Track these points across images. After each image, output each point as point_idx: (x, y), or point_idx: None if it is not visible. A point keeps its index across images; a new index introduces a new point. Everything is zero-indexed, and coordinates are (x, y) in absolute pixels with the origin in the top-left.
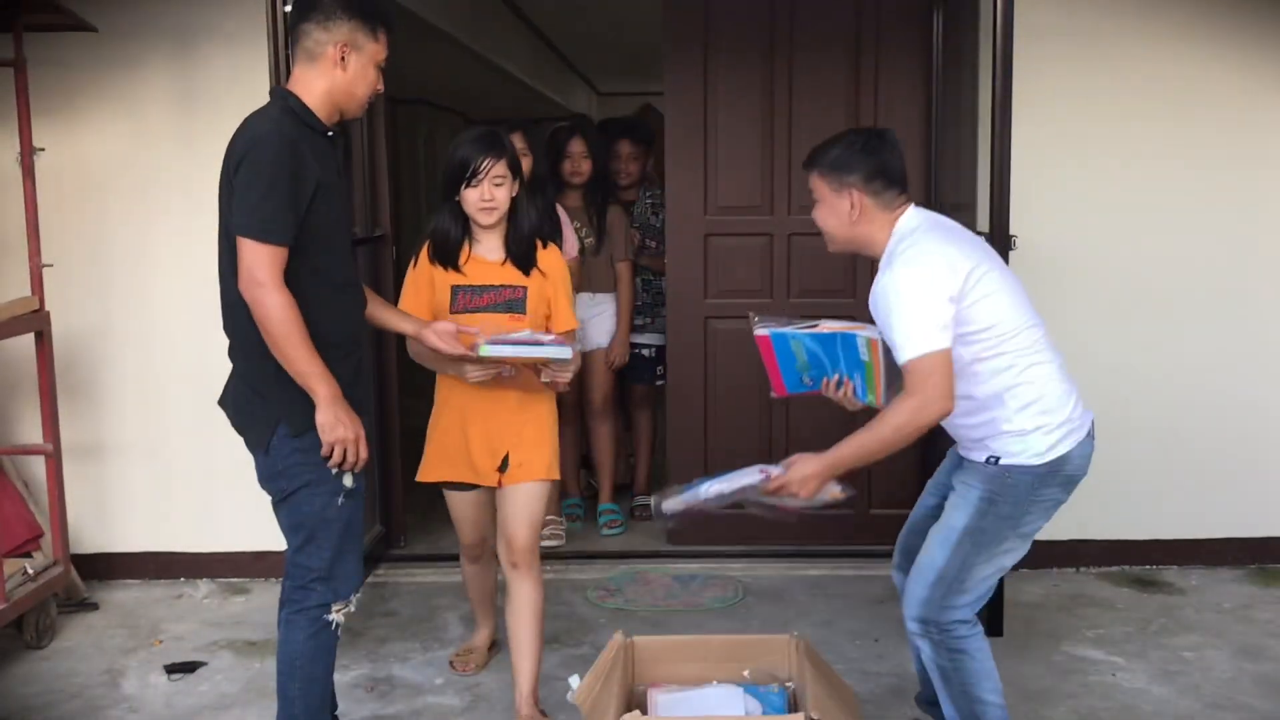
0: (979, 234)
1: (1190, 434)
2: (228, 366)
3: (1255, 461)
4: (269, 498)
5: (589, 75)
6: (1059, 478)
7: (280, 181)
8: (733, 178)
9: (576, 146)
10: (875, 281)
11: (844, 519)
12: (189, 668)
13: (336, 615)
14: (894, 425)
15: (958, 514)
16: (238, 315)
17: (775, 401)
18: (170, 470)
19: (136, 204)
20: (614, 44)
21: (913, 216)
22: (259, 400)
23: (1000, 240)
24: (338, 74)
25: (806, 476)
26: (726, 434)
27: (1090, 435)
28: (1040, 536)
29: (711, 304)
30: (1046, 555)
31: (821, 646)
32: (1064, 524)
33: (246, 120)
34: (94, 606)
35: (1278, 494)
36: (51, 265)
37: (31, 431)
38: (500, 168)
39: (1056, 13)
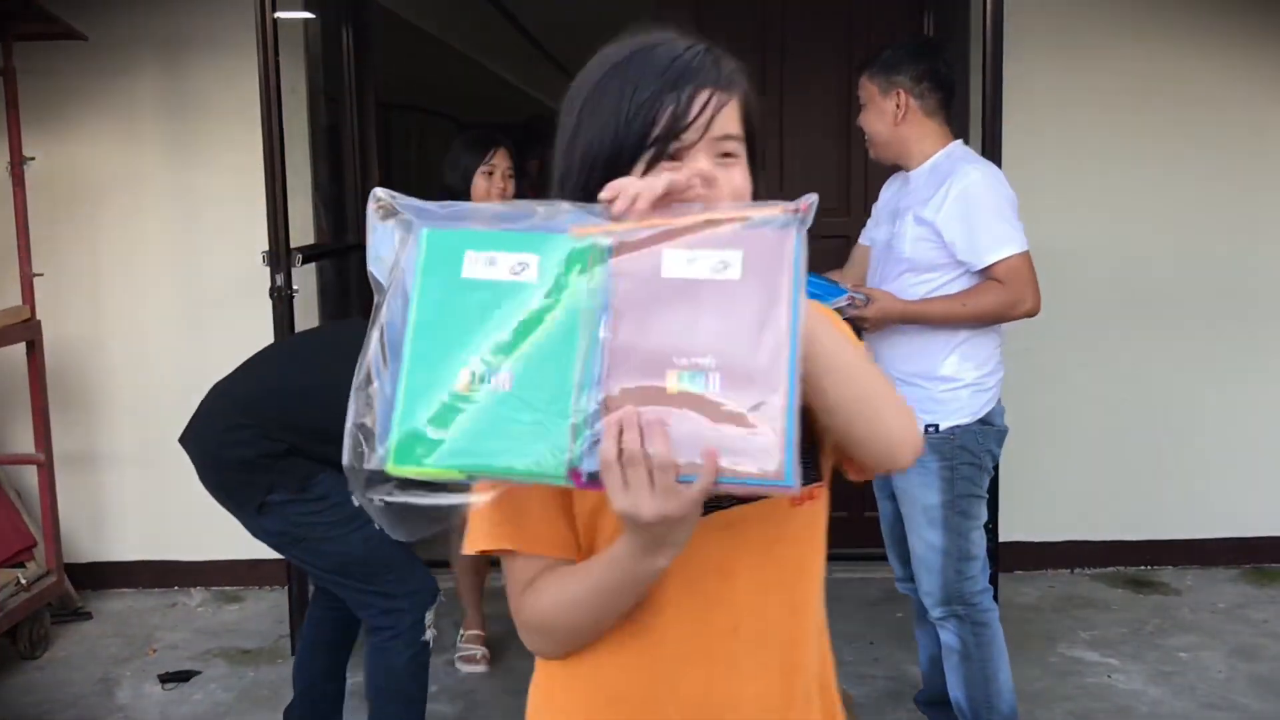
0: None
1: (1184, 435)
2: (218, 371)
3: (1249, 462)
4: (279, 551)
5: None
6: (993, 432)
7: None
8: None
9: (501, 161)
10: (933, 191)
11: (838, 522)
12: (183, 677)
13: (431, 630)
14: (983, 306)
15: (928, 492)
16: (278, 403)
17: None
18: (163, 479)
19: (128, 212)
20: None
21: (966, 147)
22: (241, 470)
23: None
24: None
25: (886, 314)
26: None
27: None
28: (1035, 538)
29: None
30: (1041, 557)
31: None
32: (1059, 525)
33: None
34: (88, 616)
35: (1272, 494)
36: (42, 274)
37: (23, 441)
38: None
39: (1046, 15)
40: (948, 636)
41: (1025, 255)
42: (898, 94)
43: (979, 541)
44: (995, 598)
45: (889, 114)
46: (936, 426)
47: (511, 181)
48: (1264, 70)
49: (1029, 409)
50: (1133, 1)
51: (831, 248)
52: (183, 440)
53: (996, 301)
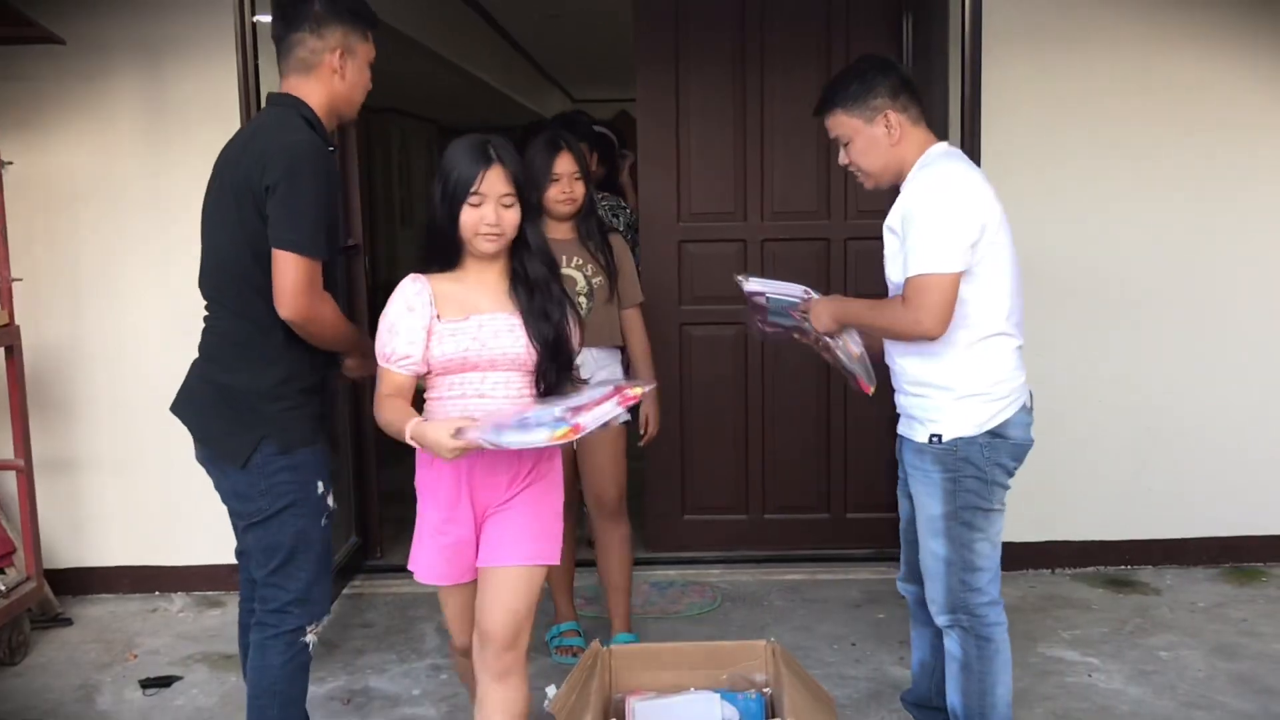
0: None
1: (1164, 434)
2: None
3: (1228, 461)
4: (231, 516)
5: (563, 82)
6: (1006, 445)
7: (319, 196)
8: (706, 184)
9: (565, 165)
10: (900, 198)
11: (820, 524)
12: (164, 682)
13: (312, 636)
14: (888, 319)
15: (932, 502)
16: (236, 325)
17: (752, 409)
18: (144, 484)
19: (106, 216)
20: (587, 51)
21: (948, 147)
22: (242, 414)
23: None
24: (337, 81)
25: (818, 316)
26: (702, 442)
27: (1026, 408)
28: (1015, 538)
29: (686, 310)
30: (1021, 557)
31: (799, 652)
32: (1039, 525)
33: (268, 129)
34: (68, 622)
35: (1251, 493)
36: (21, 279)
37: (3, 446)
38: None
39: (1024, 17)
40: (951, 644)
41: (940, 278)
42: (885, 116)
43: (986, 553)
44: None
45: (882, 139)
46: (940, 437)
47: (579, 183)
48: (1243, 69)
49: None
50: (1110, 6)
51: (811, 251)
52: (176, 409)
53: (894, 317)
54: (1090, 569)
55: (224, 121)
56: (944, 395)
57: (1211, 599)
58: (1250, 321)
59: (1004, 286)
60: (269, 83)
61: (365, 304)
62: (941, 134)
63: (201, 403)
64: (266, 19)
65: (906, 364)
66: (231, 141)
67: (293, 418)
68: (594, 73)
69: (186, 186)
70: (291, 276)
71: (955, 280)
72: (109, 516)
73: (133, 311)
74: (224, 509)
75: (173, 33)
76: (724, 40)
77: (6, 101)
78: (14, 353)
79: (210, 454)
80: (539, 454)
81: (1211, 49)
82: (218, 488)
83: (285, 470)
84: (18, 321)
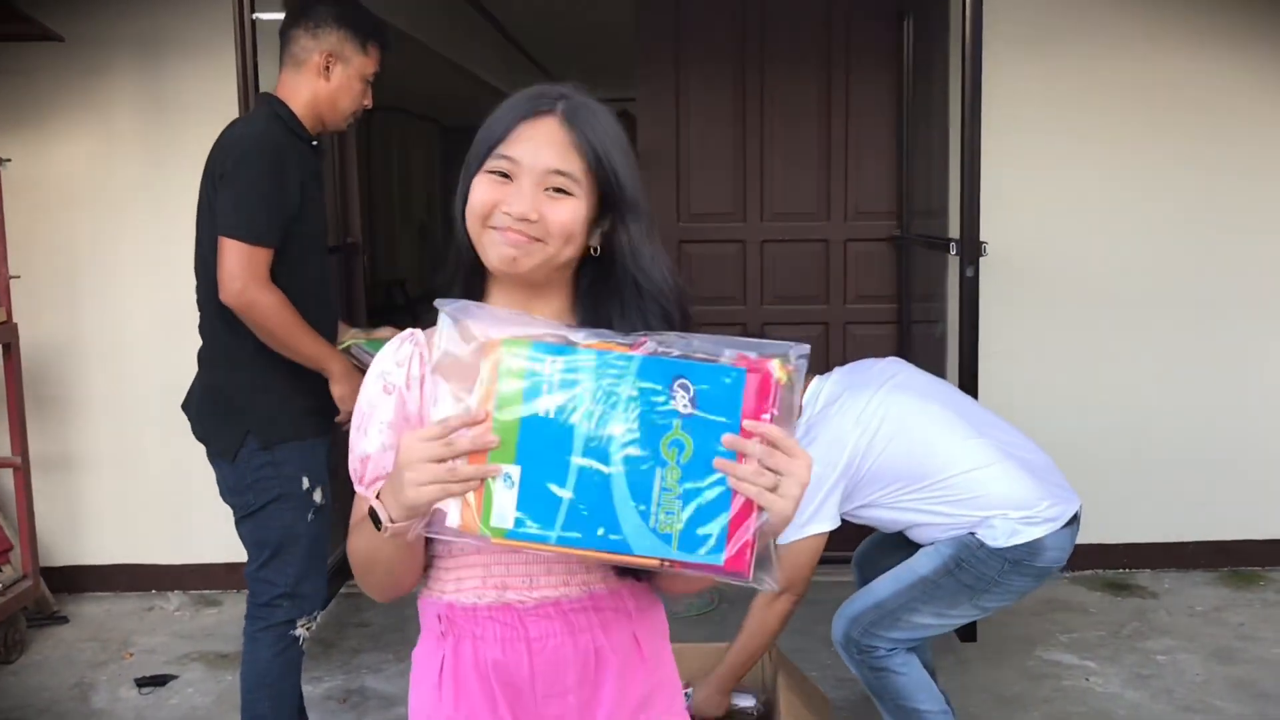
0: (950, 241)
1: (1162, 438)
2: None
3: (1227, 465)
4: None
5: (564, 81)
6: (1031, 568)
7: (266, 184)
8: (706, 185)
9: None
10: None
11: None
12: (160, 681)
13: (302, 630)
14: (775, 625)
15: (925, 561)
16: (213, 322)
17: None
18: (141, 482)
19: (105, 214)
20: (588, 50)
21: (812, 388)
22: (228, 409)
23: (970, 247)
24: (321, 83)
25: (708, 697)
26: None
27: (1069, 525)
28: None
29: None
30: None
31: (796, 654)
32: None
33: (233, 124)
34: (64, 620)
35: (1249, 497)
36: (19, 277)
37: None
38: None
39: (1026, 20)
40: (852, 667)
41: (801, 542)
42: None
43: (919, 626)
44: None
45: None
46: (974, 532)
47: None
48: (1249, 71)
49: (1006, 413)
50: (1111, 7)
51: (810, 252)
52: (185, 406)
53: (779, 616)
54: (1088, 572)
55: (223, 119)
56: (987, 515)
57: (1209, 603)
58: (1249, 325)
59: (929, 448)
60: (268, 80)
61: (364, 299)
62: (942, 137)
63: (199, 400)
64: (265, 16)
65: (923, 534)
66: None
67: (275, 413)
68: (595, 72)
69: (185, 184)
70: (229, 261)
71: (822, 540)
72: (106, 514)
73: (130, 309)
74: (221, 507)
75: (172, 30)
76: (724, 41)
77: (5, 99)
78: (11, 350)
79: (208, 451)
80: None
81: (1216, 51)
82: (219, 485)
83: (267, 465)
84: (15, 319)
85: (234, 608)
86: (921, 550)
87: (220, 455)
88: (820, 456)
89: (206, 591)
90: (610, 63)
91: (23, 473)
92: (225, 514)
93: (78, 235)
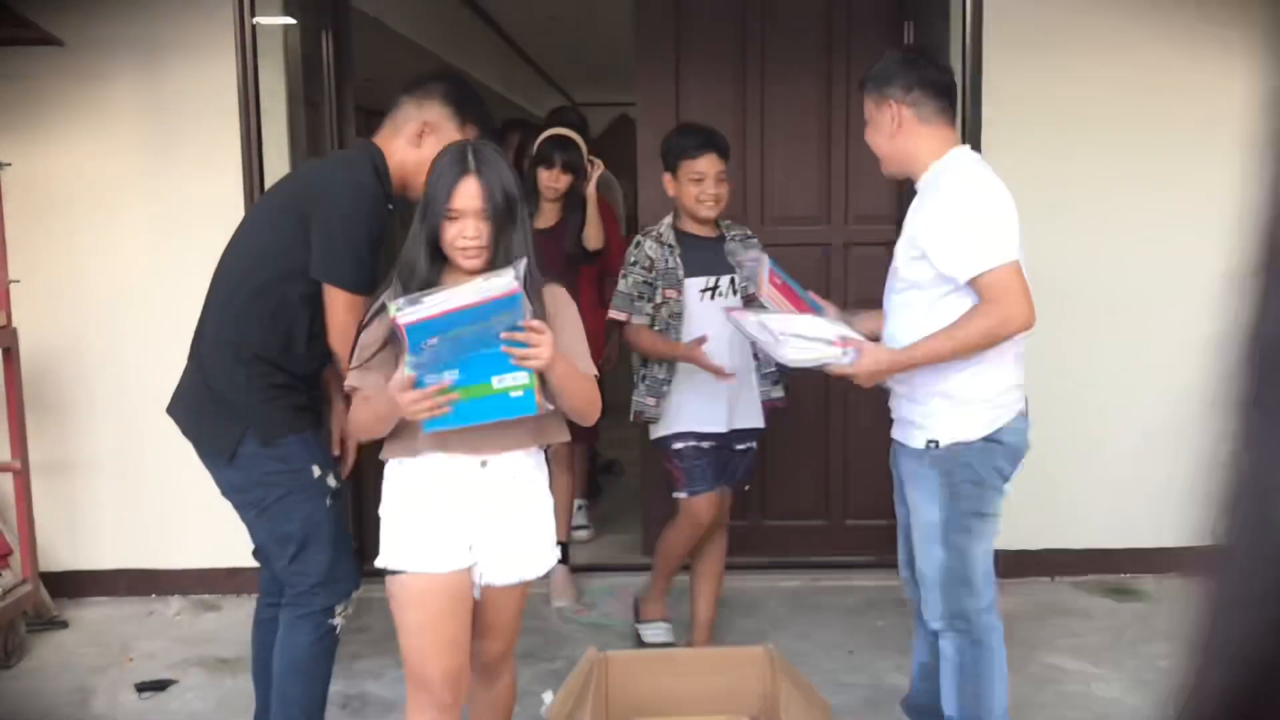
0: None
1: (1162, 441)
2: None
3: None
4: (237, 510)
5: (563, 85)
6: (1002, 450)
7: (374, 239)
8: None
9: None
10: (922, 202)
11: (820, 530)
12: (160, 686)
13: (340, 620)
14: (970, 336)
15: (929, 508)
16: (223, 320)
17: None
18: (141, 487)
19: (105, 218)
20: (588, 54)
21: (970, 152)
22: (222, 408)
23: None
24: (411, 150)
25: (876, 371)
26: None
27: (1023, 413)
28: (1014, 546)
29: None
30: (1021, 565)
31: (797, 658)
32: (1038, 533)
33: (331, 164)
34: (64, 625)
35: None
36: (19, 281)
37: None
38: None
39: (1026, 25)
40: (946, 647)
41: (1008, 268)
42: (889, 106)
43: (982, 559)
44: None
45: (884, 127)
46: (937, 443)
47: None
48: (1249, 75)
49: None
50: (1112, 12)
51: (812, 256)
52: (171, 410)
53: (983, 326)
54: (1090, 577)
55: (223, 123)
56: (943, 402)
57: None
58: None
59: None
60: (268, 84)
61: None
62: None
63: (189, 401)
64: (266, 20)
65: (915, 375)
66: (297, 168)
67: (272, 409)
68: (595, 76)
69: (185, 188)
70: (340, 311)
71: (1020, 268)
72: (106, 519)
73: (131, 313)
74: (221, 512)
75: (172, 34)
76: (724, 46)
77: (5, 102)
78: (11, 354)
79: (200, 450)
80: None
81: (1216, 54)
82: (217, 484)
83: (273, 460)
84: (15, 323)
85: (234, 612)
86: (917, 502)
87: (217, 454)
88: (994, 195)
89: (206, 596)
90: (610, 67)
91: (22, 477)
92: (225, 519)
93: (77, 239)
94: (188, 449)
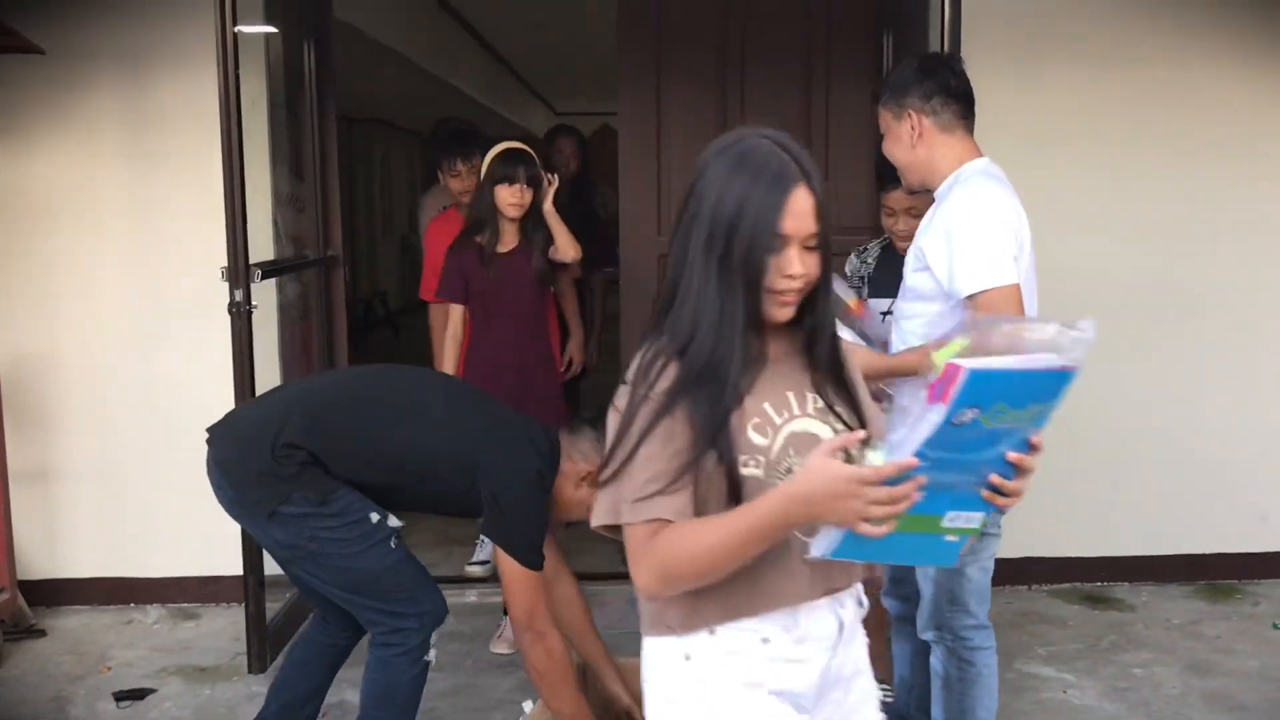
0: None
1: (1139, 451)
2: (176, 388)
3: (1204, 479)
4: (226, 524)
5: (546, 95)
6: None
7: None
8: None
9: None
10: (933, 215)
11: None
12: (138, 695)
13: (434, 652)
14: None
15: None
16: (321, 439)
17: None
18: (119, 495)
19: (85, 226)
20: (570, 64)
21: (990, 163)
22: (272, 473)
23: None
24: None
25: (870, 361)
26: None
27: None
28: None
29: None
30: (998, 573)
31: None
32: (1015, 542)
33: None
34: (41, 633)
35: (1226, 511)
36: None
37: None
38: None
39: (1004, 33)
40: (935, 660)
41: (1006, 289)
42: (909, 116)
43: (976, 576)
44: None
45: (904, 138)
46: None
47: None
48: (1233, 74)
49: None
50: (1089, 19)
51: None
52: (213, 430)
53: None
54: (1066, 586)
55: (205, 131)
56: None
57: (1186, 616)
58: (1223, 339)
59: (1027, 309)
60: (249, 93)
61: (344, 320)
62: None
63: (240, 446)
64: (248, 29)
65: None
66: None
67: (314, 473)
68: (577, 86)
69: (166, 196)
70: (526, 593)
71: (1018, 290)
72: (84, 528)
73: (110, 322)
74: (199, 521)
75: (154, 42)
76: (705, 57)
77: None
78: None
79: (236, 496)
80: None
81: (1201, 54)
82: (260, 543)
83: (329, 518)
84: None
85: (212, 621)
86: None
87: (255, 508)
88: (1000, 211)
89: (185, 605)
90: (594, 76)
91: (0, 485)
92: (203, 527)
93: (58, 247)
94: (167, 458)
